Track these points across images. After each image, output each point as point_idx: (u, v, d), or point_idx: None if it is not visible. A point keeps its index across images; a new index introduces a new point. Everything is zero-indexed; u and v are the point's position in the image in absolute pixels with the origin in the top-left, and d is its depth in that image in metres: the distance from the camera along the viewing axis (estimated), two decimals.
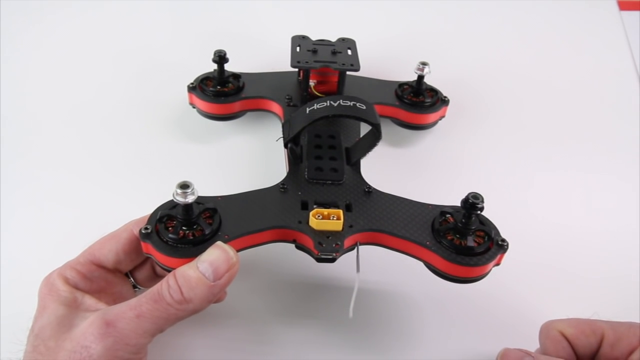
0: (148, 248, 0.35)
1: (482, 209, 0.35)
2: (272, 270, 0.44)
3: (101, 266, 0.36)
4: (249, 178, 0.49)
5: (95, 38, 0.63)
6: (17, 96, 0.56)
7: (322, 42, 0.52)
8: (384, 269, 0.43)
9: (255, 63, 0.57)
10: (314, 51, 0.50)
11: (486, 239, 0.37)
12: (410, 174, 0.51)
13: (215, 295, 0.33)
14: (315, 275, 0.43)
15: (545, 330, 0.36)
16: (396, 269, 0.43)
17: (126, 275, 0.39)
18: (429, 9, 0.70)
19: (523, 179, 0.52)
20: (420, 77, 0.52)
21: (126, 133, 0.53)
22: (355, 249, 0.38)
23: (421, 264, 0.38)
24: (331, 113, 0.39)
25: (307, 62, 0.49)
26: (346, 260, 0.38)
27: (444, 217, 0.38)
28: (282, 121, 0.49)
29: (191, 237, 0.35)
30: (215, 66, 0.50)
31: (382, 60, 0.60)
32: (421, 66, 0.51)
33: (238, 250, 0.35)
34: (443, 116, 0.54)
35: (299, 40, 0.52)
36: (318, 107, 0.40)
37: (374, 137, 0.41)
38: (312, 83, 0.52)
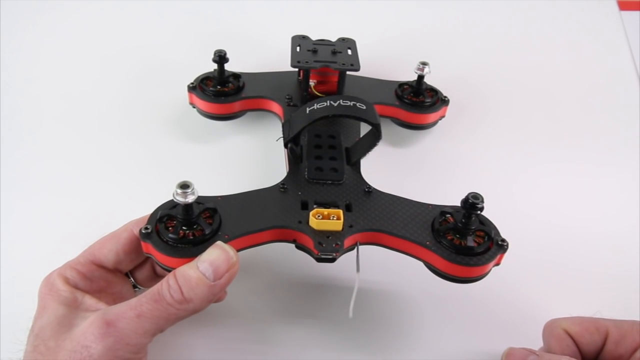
0: (148, 248, 0.35)
1: (482, 209, 0.35)
2: (272, 270, 0.44)
3: (101, 266, 0.36)
4: (249, 178, 0.49)
5: (95, 38, 0.63)
6: (17, 95, 0.56)
7: (322, 42, 0.52)
8: (384, 269, 0.43)
9: (255, 63, 0.57)
10: (314, 51, 0.50)
11: (486, 239, 0.37)
12: (410, 174, 0.51)
13: (216, 295, 0.33)
14: (315, 275, 0.43)
15: (549, 329, 0.36)
16: (396, 269, 0.43)
17: (126, 275, 0.39)
18: (429, 9, 0.70)
19: (523, 179, 0.52)
20: (420, 77, 0.52)
21: (126, 133, 0.53)
22: (355, 249, 0.38)
23: (421, 264, 0.38)
24: (331, 113, 0.39)
25: (307, 62, 0.49)
26: (346, 260, 0.38)
27: (444, 217, 0.38)
28: (282, 121, 0.49)
29: (191, 237, 0.35)
30: (215, 66, 0.50)
31: (382, 60, 0.60)
32: (421, 66, 0.51)
33: (238, 250, 0.35)
34: (443, 116, 0.54)
35: (299, 40, 0.52)
36: (318, 107, 0.40)
37: (374, 137, 0.41)
38: (312, 83, 0.52)
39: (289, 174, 0.42)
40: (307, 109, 0.41)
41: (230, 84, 0.51)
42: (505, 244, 0.37)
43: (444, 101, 0.53)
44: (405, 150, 0.54)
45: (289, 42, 0.52)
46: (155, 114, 0.55)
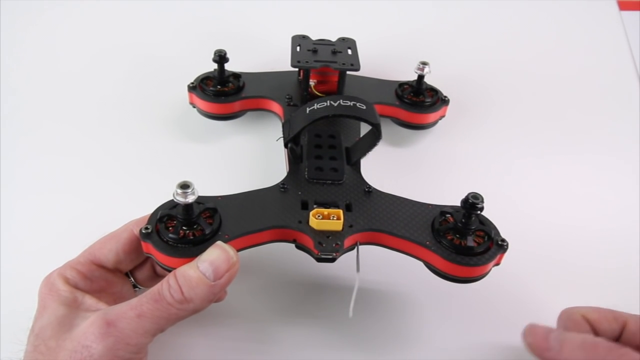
0: (148, 248, 0.35)
1: (482, 209, 0.35)
2: (272, 270, 0.44)
3: (101, 266, 0.37)
4: (249, 178, 0.49)
5: (95, 37, 0.63)
6: (17, 94, 0.56)
7: (322, 42, 0.52)
8: (384, 269, 0.43)
9: (256, 63, 0.57)
10: (314, 51, 0.50)
11: (486, 239, 0.37)
12: (410, 174, 0.51)
13: (216, 295, 0.33)
14: (315, 275, 0.44)
15: (567, 314, 0.36)
16: (396, 269, 0.43)
17: (126, 275, 0.39)
18: (429, 8, 0.70)
19: (523, 179, 0.52)
20: (421, 77, 0.52)
21: (126, 132, 0.53)
22: (355, 249, 0.38)
23: (421, 263, 0.38)
24: (331, 113, 0.40)
25: (307, 61, 0.49)
26: (346, 260, 0.38)
27: (444, 217, 0.38)
28: (282, 121, 0.49)
29: (191, 237, 0.35)
30: (215, 66, 0.50)
31: (382, 60, 0.60)
32: (421, 66, 0.51)
33: (238, 250, 0.35)
34: (443, 116, 0.54)
35: (299, 40, 0.52)
36: (318, 107, 0.40)
37: (374, 137, 0.41)
38: (312, 83, 0.52)
39: (289, 173, 0.42)
40: (307, 109, 0.41)
41: (230, 84, 0.51)
42: (505, 243, 0.37)
43: (444, 101, 0.53)
44: (406, 150, 0.54)
45: (289, 42, 0.52)
46: (155, 113, 0.55)
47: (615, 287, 0.45)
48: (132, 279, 0.39)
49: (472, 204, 0.35)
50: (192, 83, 0.51)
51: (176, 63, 0.60)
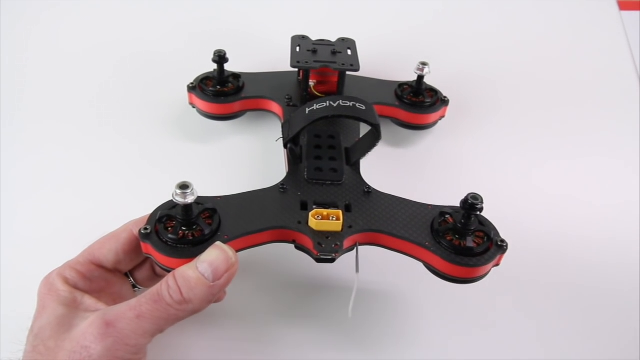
0: (148, 248, 0.35)
1: (481, 209, 0.35)
2: (271, 271, 0.44)
3: (101, 266, 0.37)
4: (249, 178, 0.49)
5: (95, 37, 0.63)
6: (17, 94, 0.56)
7: (322, 42, 0.52)
8: (383, 269, 0.43)
9: (255, 63, 0.57)
10: (314, 51, 0.50)
11: (485, 240, 0.37)
12: (409, 174, 0.51)
13: (215, 296, 0.33)
14: (314, 276, 0.44)
15: None
16: (396, 269, 0.43)
17: (126, 275, 0.39)
18: (429, 8, 0.70)
19: (523, 180, 0.52)
20: (420, 77, 0.52)
21: (126, 133, 0.53)
22: (355, 250, 0.38)
23: (421, 264, 0.38)
24: (331, 113, 0.40)
25: (307, 62, 0.49)
26: (346, 260, 0.38)
27: (443, 218, 0.38)
28: (282, 121, 0.49)
29: (191, 238, 0.35)
30: (215, 66, 0.50)
31: (382, 60, 0.60)
32: (421, 66, 0.51)
33: (237, 251, 0.35)
34: (443, 116, 0.54)
35: (298, 40, 0.52)
36: (318, 107, 0.40)
37: (374, 138, 0.41)
38: (312, 83, 0.52)
39: (288, 174, 0.42)
40: (307, 110, 0.41)
41: (230, 84, 0.51)
42: (504, 244, 0.37)
43: (444, 101, 0.53)
44: (405, 150, 0.54)
45: (289, 42, 0.52)
46: (155, 114, 0.55)
47: (616, 286, 0.45)
48: (131, 279, 0.39)
49: (471, 204, 0.35)
50: (192, 83, 0.51)
51: (176, 63, 0.60)
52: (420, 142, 0.55)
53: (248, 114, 0.53)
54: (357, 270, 0.36)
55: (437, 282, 0.37)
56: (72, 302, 0.34)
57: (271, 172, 0.46)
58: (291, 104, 0.50)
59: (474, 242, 0.36)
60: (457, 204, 0.36)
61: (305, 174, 0.42)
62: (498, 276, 0.38)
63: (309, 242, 0.37)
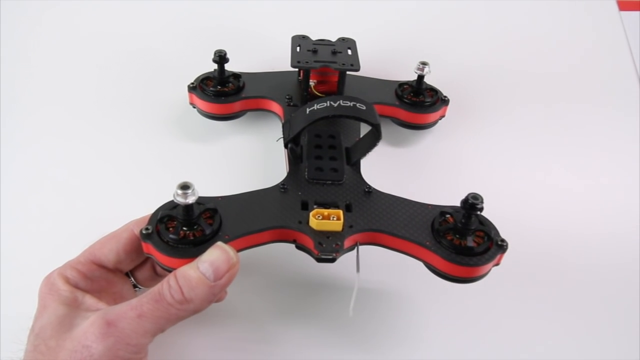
0: (149, 248, 0.35)
1: (481, 209, 0.35)
2: (272, 270, 0.44)
3: (102, 266, 0.37)
4: (250, 178, 0.49)
5: (95, 37, 0.63)
6: (16, 94, 0.56)
7: (322, 42, 0.52)
8: (384, 269, 0.43)
9: (256, 63, 0.57)
10: (314, 51, 0.50)
11: (486, 239, 0.37)
12: (410, 174, 0.52)
13: (216, 295, 0.33)
14: (315, 275, 0.44)
15: None
16: (396, 269, 0.43)
17: (127, 275, 0.39)
18: (429, 8, 0.70)
19: (523, 179, 0.52)
20: (421, 77, 0.52)
21: (126, 133, 0.53)
22: (355, 249, 0.38)
23: (421, 264, 0.38)
24: (331, 113, 0.40)
25: (307, 62, 0.49)
26: (346, 260, 0.38)
27: (443, 218, 0.38)
28: (283, 121, 0.49)
29: (192, 238, 0.35)
30: (215, 66, 0.50)
31: (382, 60, 0.60)
32: (421, 66, 0.51)
33: (238, 251, 0.35)
34: (443, 116, 0.54)
35: (299, 40, 0.52)
36: (318, 107, 0.40)
37: (374, 137, 0.41)
38: (312, 83, 0.52)
39: (289, 174, 0.42)
40: (307, 109, 0.41)
41: (230, 84, 0.51)
42: (504, 244, 0.37)
43: (444, 101, 0.53)
44: (405, 150, 0.54)
45: (289, 42, 0.52)
46: (156, 114, 0.55)
47: (616, 286, 0.45)
48: (132, 279, 0.39)
49: (471, 204, 0.35)
50: (192, 83, 0.51)
51: (176, 63, 0.60)
52: (420, 141, 0.55)
53: (248, 113, 0.53)
54: (358, 269, 0.36)
55: (438, 282, 0.37)
56: (72, 301, 0.34)
57: (272, 172, 0.46)
58: (291, 103, 0.50)
59: (474, 241, 0.36)
60: (458, 203, 0.36)
61: (306, 173, 0.42)
62: (498, 276, 0.38)
63: (309, 242, 0.37)
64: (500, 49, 0.66)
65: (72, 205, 0.47)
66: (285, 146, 0.42)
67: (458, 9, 0.70)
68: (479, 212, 0.35)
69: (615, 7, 0.70)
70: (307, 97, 0.51)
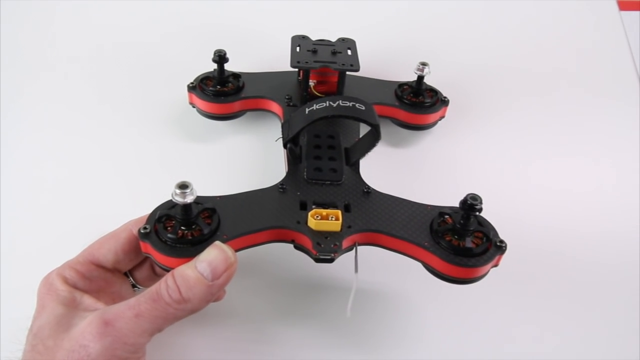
0: (147, 248, 0.35)
1: (480, 210, 0.35)
2: (270, 270, 0.44)
3: (100, 266, 0.37)
4: (248, 178, 0.49)
5: (94, 36, 0.63)
6: (16, 93, 0.56)
7: (322, 42, 0.52)
8: (382, 269, 0.43)
9: (255, 63, 0.57)
10: (314, 51, 0.50)
11: (484, 240, 0.37)
12: (409, 175, 0.51)
13: (214, 295, 0.33)
14: (314, 275, 0.44)
15: None
16: (394, 269, 0.43)
17: (125, 274, 0.39)
18: (429, 9, 0.70)
19: (522, 180, 0.52)
20: (420, 78, 0.52)
21: (125, 132, 0.53)
22: (354, 250, 0.38)
23: (419, 264, 0.38)
24: (330, 114, 0.40)
25: (307, 62, 0.49)
26: (345, 260, 0.38)
27: (442, 218, 0.38)
28: (282, 121, 0.49)
29: (190, 237, 0.35)
30: (215, 66, 0.50)
31: (382, 60, 0.60)
32: (421, 66, 0.51)
33: (236, 250, 0.35)
34: (443, 117, 0.54)
35: (298, 40, 0.52)
36: (317, 107, 0.40)
37: (373, 138, 0.41)
38: (311, 83, 0.52)
39: (288, 174, 0.42)
40: (307, 110, 0.41)
41: (230, 84, 0.51)
42: (503, 245, 0.37)
43: (444, 102, 0.53)
44: (405, 150, 0.54)
45: (289, 42, 0.52)
46: (155, 113, 0.55)
47: (616, 286, 0.45)
48: (131, 278, 0.39)
49: (470, 205, 0.35)
50: (192, 83, 0.51)
51: (176, 63, 0.60)
52: (420, 142, 0.55)
53: (248, 113, 0.53)
54: (356, 270, 0.36)
55: (436, 283, 0.37)
56: (71, 301, 0.34)
57: (271, 172, 0.46)
58: (291, 103, 0.50)
59: (473, 242, 0.36)
60: (457, 204, 0.36)
61: (305, 173, 0.42)
62: (497, 277, 0.38)
63: (308, 242, 0.37)
64: (500, 49, 0.66)
65: (71, 205, 0.47)
66: (284, 146, 0.42)
67: (458, 9, 0.70)
68: (477, 213, 0.35)
69: (615, 7, 0.70)
70: (307, 97, 0.51)
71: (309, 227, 0.37)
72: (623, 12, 0.69)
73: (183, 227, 0.35)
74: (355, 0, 0.69)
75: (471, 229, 0.36)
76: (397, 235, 0.37)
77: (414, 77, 0.52)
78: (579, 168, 0.54)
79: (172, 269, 0.33)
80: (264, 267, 0.44)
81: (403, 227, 0.38)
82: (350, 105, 0.40)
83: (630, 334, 0.42)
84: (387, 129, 0.52)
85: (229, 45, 0.51)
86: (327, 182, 0.41)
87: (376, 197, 0.41)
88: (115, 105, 0.56)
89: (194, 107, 0.52)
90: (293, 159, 0.43)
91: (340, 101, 0.40)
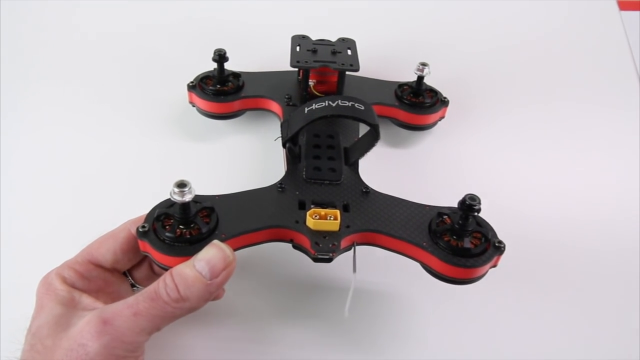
0: (145, 246, 0.35)
1: (479, 210, 0.35)
2: (269, 270, 0.44)
3: (99, 265, 0.37)
4: (247, 177, 0.49)
5: (94, 36, 0.63)
6: (16, 92, 0.57)
7: (322, 42, 0.52)
8: (380, 269, 0.43)
9: (255, 62, 0.57)
10: (314, 51, 0.50)
11: (483, 241, 0.37)
12: (408, 175, 0.51)
13: (212, 294, 0.33)
14: (312, 275, 0.44)
15: None
16: (393, 269, 0.43)
17: (124, 274, 0.39)
18: (429, 9, 0.70)
19: (522, 180, 0.52)
20: (420, 78, 0.52)
21: (125, 131, 0.53)
22: (352, 250, 0.38)
23: (418, 264, 0.38)
24: (329, 113, 0.39)
25: (306, 61, 0.49)
26: (343, 260, 0.38)
27: (441, 218, 0.38)
28: (281, 120, 0.49)
29: (188, 236, 0.35)
30: (215, 65, 0.50)
31: (382, 61, 0.60)
32: (421, 67, 0.51)
33: (235, 249, 0.35)
34: (442, 117, 0.54)
35: (298, 40, 0.52)
36: (317, 107, 0.40)
37: (373, 138, 0.41)
38: (311, 83, 0.52)
39: (287, 173, 0.42)
40: (306, 109, 0.41)
41: (229, 83, 0.51)
42: (502, 245, 0.37)
43: (444, 102, 0.53)
44: (404, 151, 0.54)
45: (289, 41, 0.52)
46: (155, 112, 0.55)
47: (616, 286, 0.45)
48: (130, 278, 0.39)
49: (469, 205, 0.35)
50: (192, 82, 0.51)
51: (176, 62, 0.60)
52: (420, 142, 0.55)
53: (247, 113, 0.53)
54: (355, 270, 0.36)
55: (434, 283, 0.37)
56: (70, 301, 0.34)
57: (270, 171, 0.46)
58: (291, 103, 0.50)
59: (472, 242, 0.36)
60: (455, 204, 0.36)
61: (304, 173, 0.42)
62: (496, 277, 0.38)
63: (306, 242, 0.37)
64: (500, 49, 0.66)
65: (70, 204, 0.47)
66: (284, 145, 0.42)
67: (458, 9, 0.70)
68: (476, 213, 0.35)
69: (615, 7, 0.70)
70: (307, 96, 0.51)
71: (307, 227, 0.37)
72: (623, 12, 0.69)
73: (181, 225, 0.35)
74: (355, 0, 0.69)
75: (470, 229, 0.36)
76: (395, 235, 0.37)
77: (414, 78, 0.52)
78: (579, 168, 0.54)
79: (171, 267, 0.33)
80: (263, 266, 0.44)
81: (401, 227, 0.38)
82: (350, 105, 0.40)
83: (630, 334, 0.42)
84: (386, 129, 0.52)
85: (229, 44, 0.51)
86: (326, 182, 0.41)
87: (375, 197, 0.41)
88: (115, 105, 0.56)
89: (193, 106, 0.52)
90: (292, 159, 0.43)
91: (340, 101, 0.40)
